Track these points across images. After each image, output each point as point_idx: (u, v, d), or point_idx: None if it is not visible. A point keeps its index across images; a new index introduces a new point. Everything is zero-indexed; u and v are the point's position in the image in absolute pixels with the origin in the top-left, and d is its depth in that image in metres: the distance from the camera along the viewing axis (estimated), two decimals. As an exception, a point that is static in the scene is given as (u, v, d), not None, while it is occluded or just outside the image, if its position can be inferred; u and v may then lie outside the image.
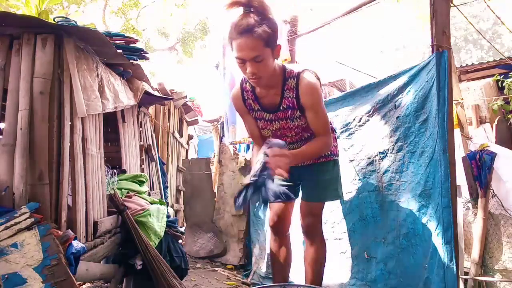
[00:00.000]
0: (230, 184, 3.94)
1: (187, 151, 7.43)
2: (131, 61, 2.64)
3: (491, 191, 2.57)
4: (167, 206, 2.97)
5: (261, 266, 3.18)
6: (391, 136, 2.33)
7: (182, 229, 3.50)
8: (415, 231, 2.15)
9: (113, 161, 3.03)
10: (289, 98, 1.87)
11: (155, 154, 3.89)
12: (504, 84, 3.90)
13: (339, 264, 2.55)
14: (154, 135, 4.02)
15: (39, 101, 1.77)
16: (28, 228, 1.55)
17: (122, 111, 2.95)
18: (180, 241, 2.82)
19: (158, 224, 2.52)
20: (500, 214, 2.54)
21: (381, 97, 2.42)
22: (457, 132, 2.88)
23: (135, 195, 2.66)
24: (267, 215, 3.14)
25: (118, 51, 2.38)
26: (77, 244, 1.66)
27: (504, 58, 4.25)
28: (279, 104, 1.90)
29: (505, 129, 3.73)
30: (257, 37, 1.62)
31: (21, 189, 1.69)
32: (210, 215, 4.03)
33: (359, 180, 2.50)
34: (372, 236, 2.40)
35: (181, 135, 6.59)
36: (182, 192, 5.81)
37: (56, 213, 1.78)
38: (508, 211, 2.51)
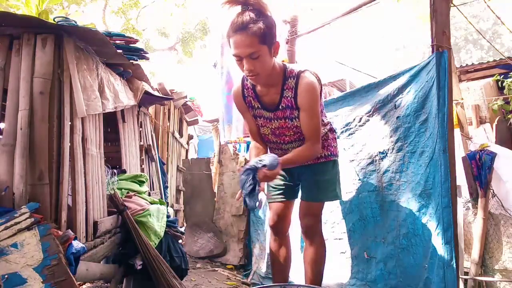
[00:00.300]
0: (230, 184, 3.94)
1: (187, 151, 7.43)
2: (131, 61, 2.64)
3: (491, 191, 2.57)
4: (167, 206, 2.97)
5: (261, 266, 3.18)
6: (391, 136, 2.33)
7: (182, 229, 3.50)
8: (415, 231, 2.15)
9: (113, 161, 3.03)
10: (288, 98, 1.87)
11: (155, 154, 3.89)
12: (504, 84, 3.90)
13: (339, 264, 2.55)
14: (154, 135, 4.02)
15: (39, 101, 1.77)
16: (28, 228, 1.55)
17: (122, 111, 2.95)
18: (180, 241, 2.82)
19: (158, 224, 2.52)
20: (500, 214, 2.54)
21: (381, 97, 2.42)
22: (457, 132, 2.89)
23: (135, 195, 2.66)
24: (267, 215, 3.14)
25: (118, 51, 2.38)
26: (77, 244, 1.66)
27: (504, 58, 4.25)
28: (279, 103, 1.91)
29: (505, 129, 3.72)
30: (252, 34, 1.65)
31: (21, 189, 1.69)
32: (210, 215, 4.03)
33: (359, 180, 2.50)
34: (372, 236, 2.40)
35: (181, 135, 6.59)
36: (182, 192, 5.81)
37: (56, 213, 1.78)
38: (508, 211, 2.51)
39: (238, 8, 1.74)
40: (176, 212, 5.46)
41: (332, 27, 3.30)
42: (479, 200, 2.58)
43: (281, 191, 2.20)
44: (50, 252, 1.51)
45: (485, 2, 3.19)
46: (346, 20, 3.14)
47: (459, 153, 2.72)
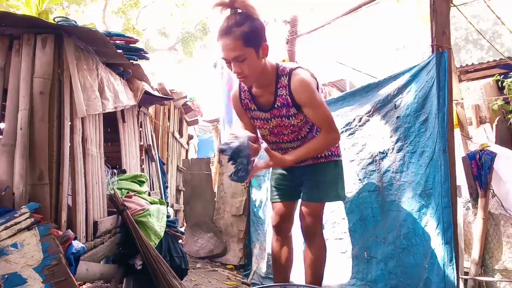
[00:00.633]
0: (230, 184, 3.94)
1: (187, 151, 7.43)
2: (131, 61, 2.64)
3: (491, 191, 2.57)
4: (167, 206, 2.97)
5: (261, 266, 3.18)
6: (391, 136, 2.33)
7: (182, 229, 3.50)
8: (415, 231, 2.15)
9: (113, 161, 3.03)
10: (283, 96, 1.88)
11: (155, 154, 3.89)
12: (504, 84, 3.90)
13: (339, 264, 2.55)
14: (154, 135, 4.02)
15: (39, 101, 1.77)
16: (28, 228, 1.55)
17: (122, 111, 2.95)
18: (180, 241, 2.82)
19: (158, 224, 2.52)
20: (500, 214, 2.54)
21: (381, 97, 2.42)
22: (457, 132, 2.89)
23: (135, 195, 2.66)
24: (268, 215, 3.14)
25: (118, 51, 2.38)
26: (77, 244, 1.66)
27: (504, 58, 4.25)
28: (274, 102, 1.92)
29: (505, 129, 3.73)
30: (236, 37, 1.67)
31: (21, 189, 1.69)
32: (210, 215, 4.03)
33: (359, 180, 2.50)
34: (372, 236, 2.40)
35: (181, 135, 6.59)
36: (182, 192, 5.81)
37: (56, 213, 1.78)
38: (508, 211, 2.50)
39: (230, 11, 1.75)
40: (176, 212, 5.46)
41: (332, 27, 3.30)
42: (479, 200, 2.58)
43: (282, 192, 2.20)
44: (50, 252, 1.51)
45: (485, 2, 3.18)
46: (346, 20, 3.14)
47: (459, 153, 2.72)
